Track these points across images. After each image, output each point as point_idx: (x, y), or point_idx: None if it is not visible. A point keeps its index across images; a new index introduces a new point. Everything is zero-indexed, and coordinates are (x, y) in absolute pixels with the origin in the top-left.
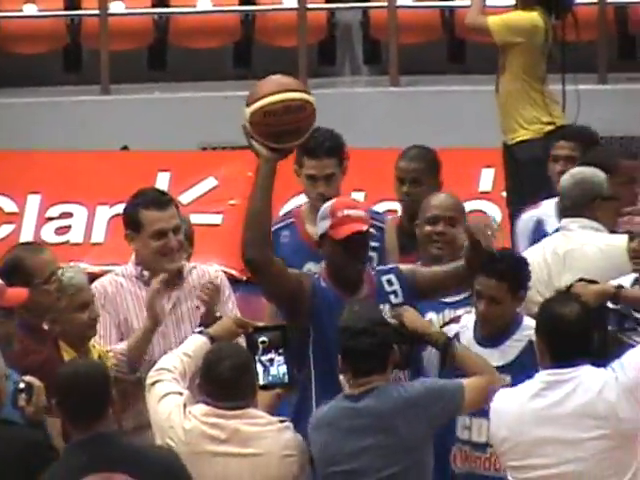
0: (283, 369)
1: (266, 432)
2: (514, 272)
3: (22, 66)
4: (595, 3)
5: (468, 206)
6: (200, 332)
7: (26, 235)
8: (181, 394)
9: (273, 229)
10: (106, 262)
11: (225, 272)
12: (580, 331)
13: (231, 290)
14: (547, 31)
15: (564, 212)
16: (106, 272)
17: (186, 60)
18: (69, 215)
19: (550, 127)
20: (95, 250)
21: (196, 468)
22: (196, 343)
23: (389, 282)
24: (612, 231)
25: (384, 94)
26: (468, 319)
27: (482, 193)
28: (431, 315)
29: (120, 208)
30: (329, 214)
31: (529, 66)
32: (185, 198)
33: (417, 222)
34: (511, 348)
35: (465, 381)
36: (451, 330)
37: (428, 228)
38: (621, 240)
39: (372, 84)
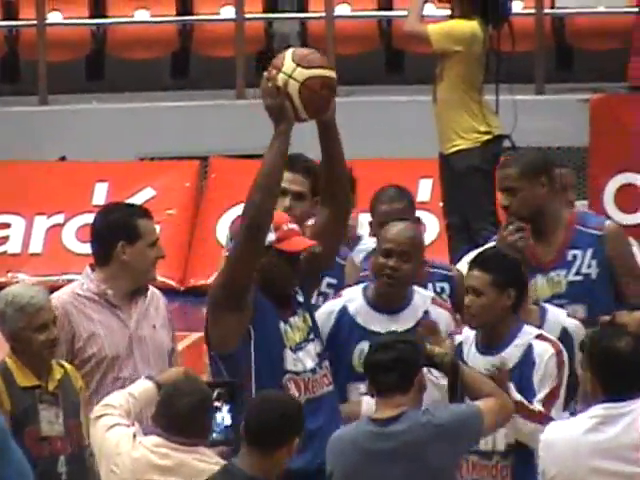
0: (228, 423)
1: (214, 470)
2: (498, 265)
3: None
4: (532, 14)
5: None
6: (149, 378)
7: None
8: (129, 426)
9: None
10: (44, 273)
11: (163, 282)
12: (636, 364)
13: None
14: (485, 41)
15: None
16: (44, 283)
17: (124, 71)
18: (7, 226)
19: (487, 136)
20: (33, 261)
21: None
22: (144, 387)
23: None
24: None
25: None
26: (470, 330)
27: (420, 203)
28: (364, 345)
29: (58, 219)
30: (272, 227)
31: (467, 75)
32: None
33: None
34: (512, 354)
35: (480, 404)
36: (455, 340)
37: (381, 260)
38: None
39: None
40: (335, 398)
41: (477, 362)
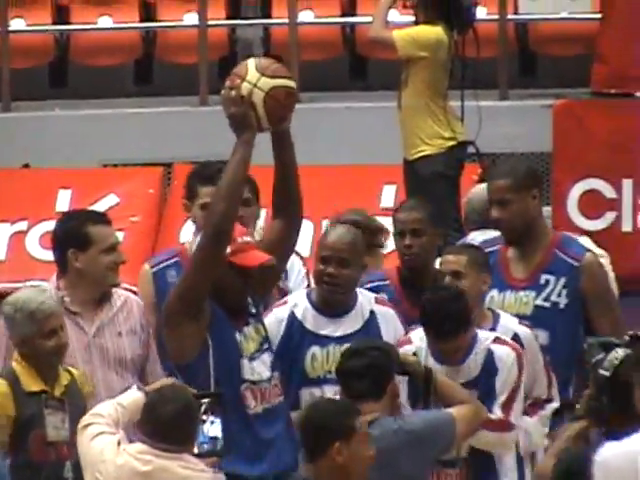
0: (217, 433)
1: (199, 477)
2: (472, 247)
3: None
4: (496, 20)
5: None
6: (139, 388)
7: None
8: (114, 434)
9: (156, 268)
10: (8, 279)
11: (127, 289)
12: None
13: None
14: (450, 46)
15: (474, 225)
16: (8, 289)
17: (87, 77)
18: None
19: (452, 142)
20: None
21: None
22: (133, 397)
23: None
24: None
25: None
26: (420, 337)
27: (383, 209)
28: (314, 350)
29: (22, 226)
30: None
31: (432, 81)
32: None
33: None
34: (474, 362)
35: (453, 411)
36: (407, 351)
37: (320, 267)
38: None
39: None
40: (287, 407)
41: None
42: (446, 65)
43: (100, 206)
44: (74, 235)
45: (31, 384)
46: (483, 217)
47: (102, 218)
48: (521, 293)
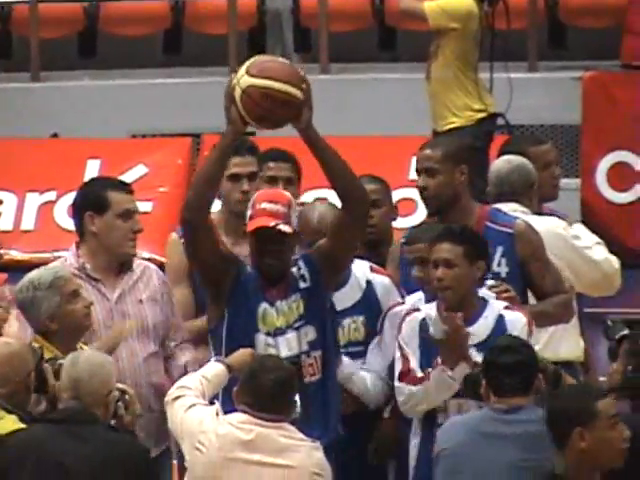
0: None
1: (300, 447)
2: (468, 237)
3: None
4: None
5: (398, 195)
6: (218, 360)
7: None
8: (207, 405)
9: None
10: (36, 249)
11: (155, 260)
12: None
13: (168, 287)
14: (480, 18)
15: (499, 197)
16: (37, 260)
17: (116, 47)
18: None
19: (482, 114)
20: (25, 237)
21: (227, 474)
22: (215, 370)
23: (298, 268)
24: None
25: (315, 82)
26: (430, 307)
27: (412, 181)
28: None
29: (50, 196)
30: (251, 205)
31: (462, 53)
32: None
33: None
34: (483, 327)
35: None
36: (416, 319)
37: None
38: (554, 222)
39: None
40: (321, 388)
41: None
42: (476, 37)
43: (129, 176)
44: (92, 198)
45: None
46: (514, 189)
47: (123, 186)
48: None
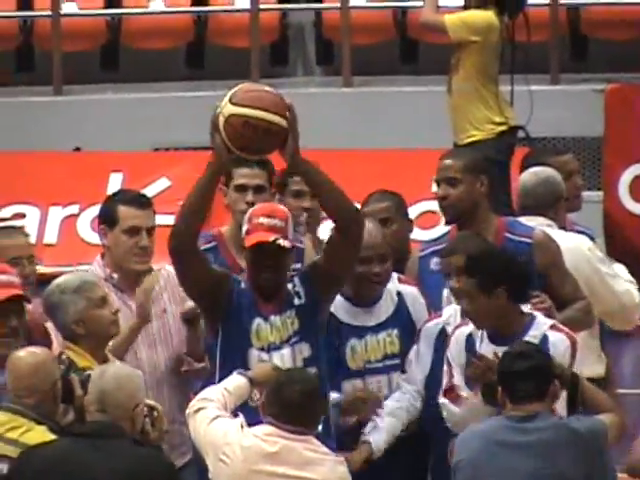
0: None
1: (325, 461)
2: (480, 267)
3: None
4: (547, 4)
5: (420, 208)
6: (240, 373)
7: None
8: (234, 417)
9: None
10: (59, 263)
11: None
12: None
13: None
14: (501, 31)
15: (524, 210)
16: (59, 274)
17: (139, 61)
18: (22, 216)
19: (502, 127)
20: (48, 251)
21: None
22: (237, 382)
23: (293, 285)
24: (561, 228)
25: (337, 95)
26: (451, 311)
27: (434, 194)
28: (353, 342)
29: (73, 209)
30: (247, 219)
31: (483, 66)
32: None
33: None
34: None
35: (605, 420)
36: (438, 324)
37: (364, 267)
38: (581, 240)
39: (325, 85)
40: None
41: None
42: (497, 49)
43: (151, 190)
44: (104, 212)
45: (83, 363)
46: (539, 202)
47: (137, 201)
48: None
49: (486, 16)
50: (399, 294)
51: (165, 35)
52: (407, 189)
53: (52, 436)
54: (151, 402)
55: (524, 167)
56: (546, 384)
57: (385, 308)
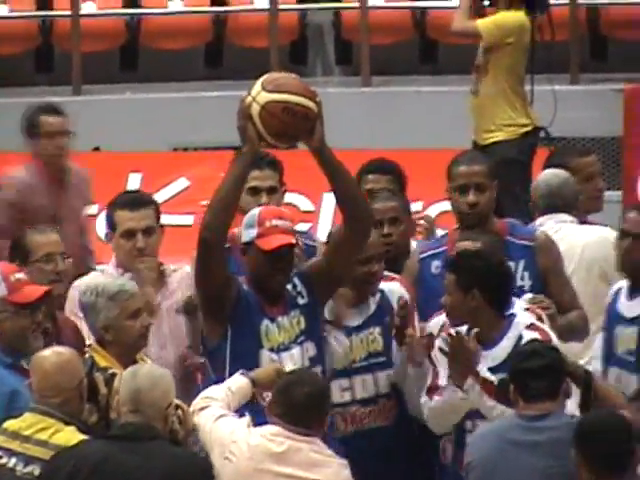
0: None
1: (330, 462)
2: (463, 265)
3: None
4: (567, 4)
5: (439, 207)
6: (242, 374)
7: None
8: (240, 416)
9: None
10: None
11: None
12: None
13: None
14: (533, 31)
15: (548, 209)
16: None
17: (158, 61)
18: None
19: (527, 129)
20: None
21: None
22: (240, 383)
23: (294, 285)
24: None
25: (356, 95)
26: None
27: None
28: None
29: (92, 209)
30: (256, 222)
31: (514, 67)
32: (156, 199)
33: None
34: (503, 349)
35: None
36: (437, 323)
37: (363, 268)
38: (607, 231)
39: (344, 85)
40: None
41: None
42: (527, 50)
43: (170, 190)
44: (107, 217)
45: (103, 363)
46: (566, 201)
47: (130, 202)
48: None
49: (517, 17)
50: (381, 292)
51: (184, 35)
52: (426, 189)
53: (81, 436)
54: (177, 401)
55: (546, 167)
56: (558, 382)
57: (367, 307)
